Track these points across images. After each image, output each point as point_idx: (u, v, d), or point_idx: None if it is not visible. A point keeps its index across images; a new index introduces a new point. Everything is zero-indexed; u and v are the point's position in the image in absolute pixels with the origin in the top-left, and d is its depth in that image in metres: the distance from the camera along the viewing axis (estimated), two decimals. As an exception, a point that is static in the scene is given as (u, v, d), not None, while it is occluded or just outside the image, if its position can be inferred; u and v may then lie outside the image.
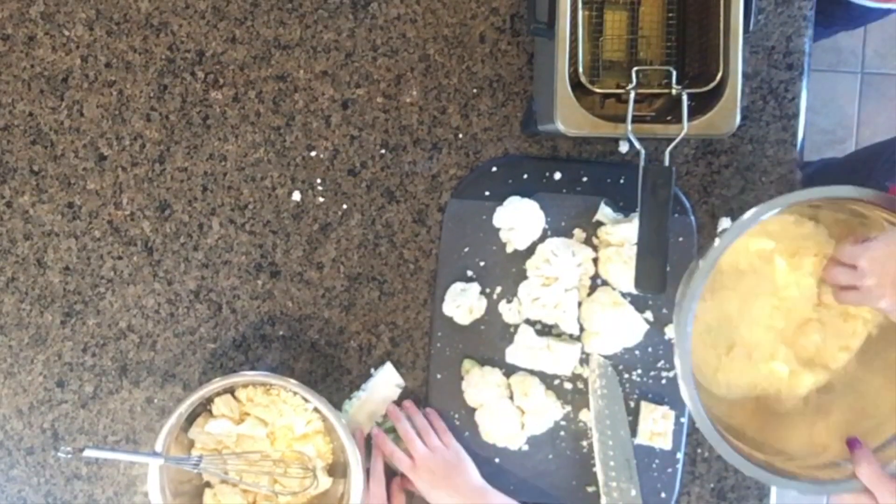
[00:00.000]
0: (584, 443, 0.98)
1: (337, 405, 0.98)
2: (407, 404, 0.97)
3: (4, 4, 0.97)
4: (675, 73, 0.84)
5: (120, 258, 0.99)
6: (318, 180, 0.98)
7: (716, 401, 0.88)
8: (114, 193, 0.98)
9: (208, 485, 0.96)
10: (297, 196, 0.98)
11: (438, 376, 0.98)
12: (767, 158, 0.97)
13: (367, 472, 0.93)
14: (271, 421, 0.93)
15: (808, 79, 0.97)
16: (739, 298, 0.89)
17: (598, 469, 0.97)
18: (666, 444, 0.97)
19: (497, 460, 0.98)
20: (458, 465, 0.93)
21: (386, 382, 0.98)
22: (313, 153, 0.98)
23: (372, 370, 0.99)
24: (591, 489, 0.98)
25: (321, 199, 0.98)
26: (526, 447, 0.98)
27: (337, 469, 0.96)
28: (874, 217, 0.82)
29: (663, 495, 0.97)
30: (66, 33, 0.98)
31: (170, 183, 0.98)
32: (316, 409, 0.93)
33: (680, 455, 0.97)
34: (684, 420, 0.97)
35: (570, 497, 0.98)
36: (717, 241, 0.79)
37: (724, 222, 0.97)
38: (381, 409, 0.98)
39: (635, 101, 0.82)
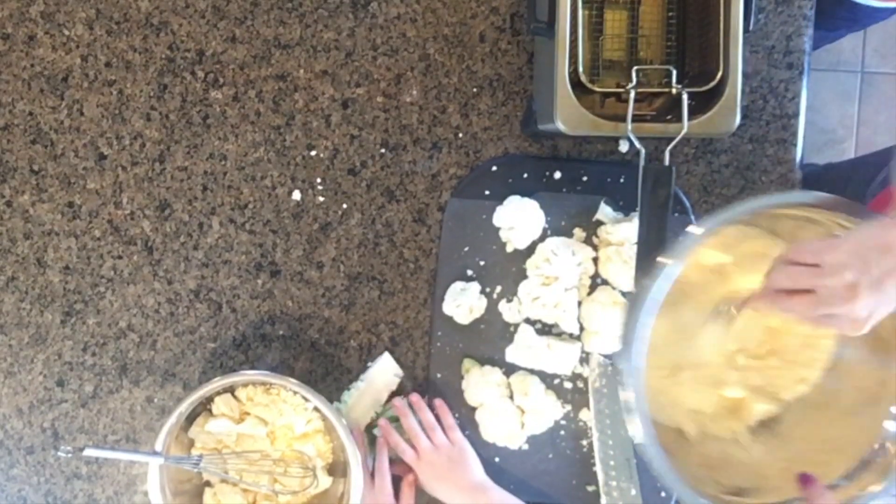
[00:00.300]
0: (584, 442, 0.98)
1: (336, 400, 0.98)
2: (414, 399, 0.96)
3: (4, 4, 0.97)
4: (675, 72, 0.84)
5: (120, 257, 0.99)
6: (319, 180, 0.98)
7: (655, 427, 0.81)
8: (114, 193, 0.99)
9: (208, 484, 0.96)
10: (297, 195, 0.98)
11: (438, 375, 0.98)
12: (767, 158, 0.97)
13: (373, 466, 0.94)
14: (271, 420, 0.93)
15: (808, 78, 0.97)
16: (689, 316, 0.82)
17: (598, 468, 0.97)
18: (666, 443, 0.97)
19: (497, 459, 0.98)
20: (461, 461, 0.93)
21: (384, 372, 0.98)
22: (313, 152, 0.98)
23: (369, 363, 0.99)
24: (591, 488, 0.98)
25: (321, 199, 0.98)
26: (526, 446, 0.98)
27: (337, 468, 0.96)
28: (837, 230, 0.75)
29: (663, 495, 0.97)
30: (67, 33, 0.98)
31: (170, 182, 0.98)
32: (316, 409, 0.93)
33: (680, 454, 0.97)
34: (684, 419, 0.97)
35: (570, 496, 0.98)
36: (668, 260, 0.73)
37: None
38: (380, 399, 0.98)
39: (635, 101, 0.82)
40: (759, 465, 0.82)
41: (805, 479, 0.73)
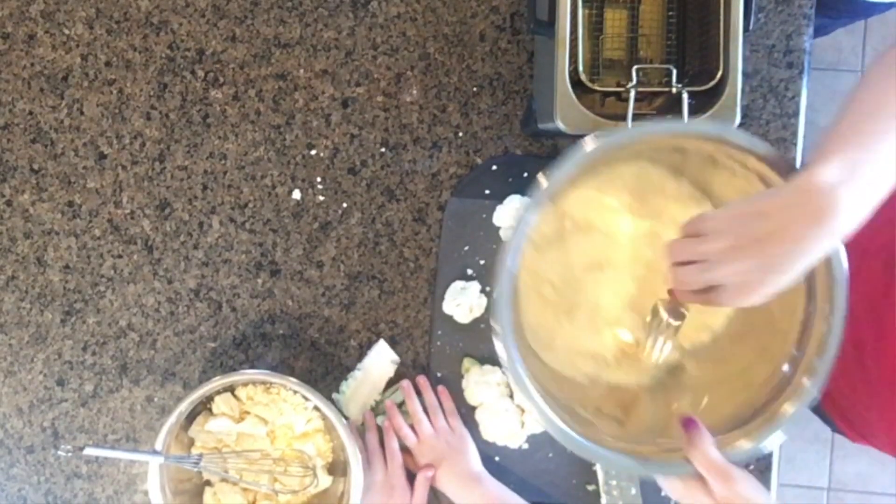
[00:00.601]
0: (584, 441, 0.98)
1: (335, 391, 0.98)
2: (420, 380, 0.97)
3: (4, 3, 0.97)
4: (675, 71, 0.83)
5: (120, 257, 0.99)
6: (319, 179, 0.98)
7: (549, 373, 0.80)
8: (114, 192, 0.99)
9: (208, 483, 0.96)
10: (297, 195, 0.98)
11: (438, 375, 0.98)
12: (767, 157, 0.97)
13: (381, 448, 0.95)
14: (271, 419, 0.93)
15: (808, 77, 0.97)
16: (589, 256, 0.80)
17: (598, 468, 0.97)
18: (666, 442, 0.96)
19: (497, 459, 0.98)
20: (460, 449, 0.94)
21: (381, 360, 0.98)
22: (313, 152, 0.98)
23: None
24: (591, 487, 0.98)
25: (321, 198, 0.98)
26: (526, 446, 0.98)
27: (337, 468, 0.96)
28: (740, 172, 0.73)
29: (663, 494, 0.97)
30: (67, 32, 0.98)
31: (170, 181, 0.98)
32: (316, 408, 0.93)
33: (680, 453, 0.97)
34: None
35: (570, 495, 0.98)
36: (545, 183, 0.69)
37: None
38: (378, 387, 0.98)
39: (635, 100, 0.82)
40: (656, 411, 0.80)
41: (687, 423, 0.71)
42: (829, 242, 0.60)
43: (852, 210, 0.59)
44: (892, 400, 0.76)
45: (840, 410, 0.94)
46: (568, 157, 0.69)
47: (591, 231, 0.81)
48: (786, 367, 0.75)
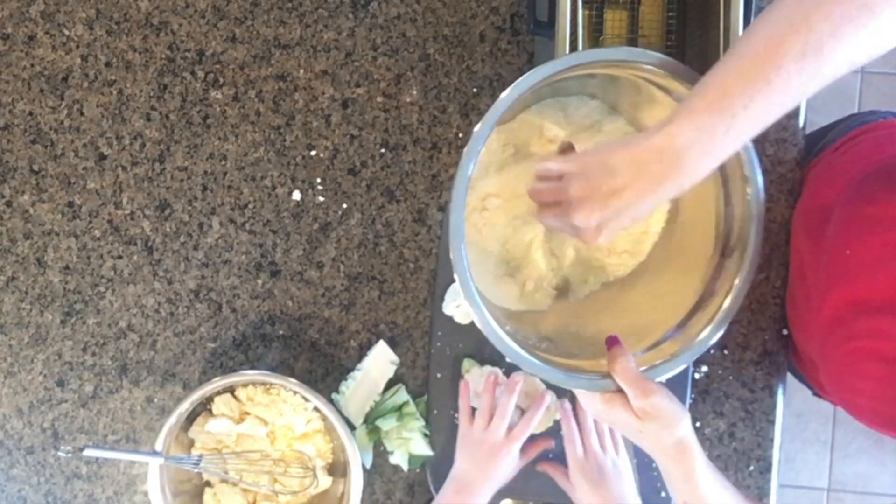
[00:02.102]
0: (584, 442, 0.98)
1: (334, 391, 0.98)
2: (566, 406, 0.94)
3: (4, 4, 0.97)
4: (675, 72, 0.84)
5: (120, 257, 0.99)
6: (318, 180, 0.98)
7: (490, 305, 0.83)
8: (114, 193, 0.99)
9: (208, 484, 0.96)
10: (297, 195, 0.98)
11: (438, 376, 0.98)
12: (767, 158, 0.97)
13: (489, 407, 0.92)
14: (271, 420, 0.93)
15: (808, 78, 0.97)
16: (526, 185, 0.82)
17: (598, 468, 0.97)
18: (666, 443, 0.96)
19: (497, 460, 0.98)
20: (616, 476, 0.91)
21: (381, 361, 0.98)
22: (313, 152, 0.98)
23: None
24: (591, 488, 0.98)
25: (321, 199, 0.98)
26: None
27: (337, 468, 0.96)
28: (663, 100, 0.76)
29: (663, 495, 0.97)
30: (67, 32, 0.98)
31: (170, 182, 0.98)
32: (316, 409, 0.93)
33: (680, 454, 0.97)
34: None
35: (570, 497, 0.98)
36: (491, 109, 0.72)
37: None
38: (378, 388, 0.97)
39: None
40: (592, 329, 0.83)
41: (610, 340, 0.76)
42: (670, 195, 0.63)
43: (698, 170, 0.61)
44: (824, 344, 0.77)
45: (806, 367, 0.95)
46: (510, 87, 0.70)
47: (530, 160, 0.83)
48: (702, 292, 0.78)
